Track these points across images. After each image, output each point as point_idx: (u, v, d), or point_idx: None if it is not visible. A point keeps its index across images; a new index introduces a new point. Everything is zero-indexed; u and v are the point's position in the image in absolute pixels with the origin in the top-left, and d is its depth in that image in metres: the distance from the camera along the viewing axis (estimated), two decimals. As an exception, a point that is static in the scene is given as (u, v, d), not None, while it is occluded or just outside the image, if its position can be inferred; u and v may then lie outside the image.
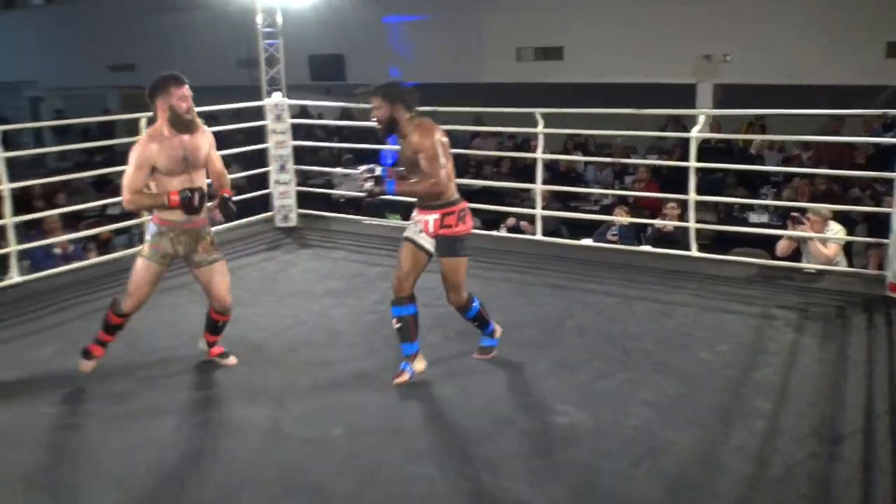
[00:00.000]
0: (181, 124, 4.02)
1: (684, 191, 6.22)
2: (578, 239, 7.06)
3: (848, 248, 6.22)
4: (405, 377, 4.18)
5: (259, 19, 8.03)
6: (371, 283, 5.77)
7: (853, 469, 3.30)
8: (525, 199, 8.96)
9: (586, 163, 10.99)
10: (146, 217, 5.96)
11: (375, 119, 4.09)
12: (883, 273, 5.50)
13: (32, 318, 5.25)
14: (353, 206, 9.02)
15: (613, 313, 5.22)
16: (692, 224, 6.19)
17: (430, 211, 4.12)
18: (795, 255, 6.19)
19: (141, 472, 3.36)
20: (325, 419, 3.79)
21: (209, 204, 4.27)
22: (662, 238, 6.91)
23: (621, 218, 7.20)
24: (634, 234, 7.27)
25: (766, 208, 8.65)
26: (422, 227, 4.14)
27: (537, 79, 13.42)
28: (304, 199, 7.94)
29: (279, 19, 8.07)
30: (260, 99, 7.89)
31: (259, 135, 7.84)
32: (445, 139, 4.06)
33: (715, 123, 10.62)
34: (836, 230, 6.00)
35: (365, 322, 5.12)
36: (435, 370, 4.34)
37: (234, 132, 9.99)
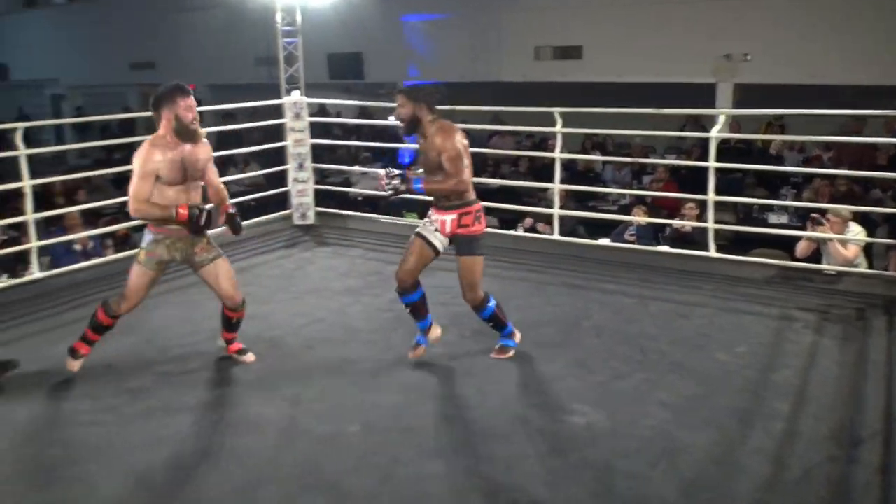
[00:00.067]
0: (186, 134, 4.05)
1: (703, 191, 6.19)
2: (596, 239, 7.03)
3: (868, 250, 6.16)
4: (420, 350, 4.46)
5: (278, 18, 8.06)
6: (388, 281, 5.75)
7: (872, 473, 3.27)
8: (542, 198, 8.94)
9: (604, 162, 10.96)
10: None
11: (398, 117, 4.19)
12: (904, 275, 5.45)
13: (52, 313, 5.30)
14: (370, 204, 9.05)
15: (631, 313, 5.20)
16: (711, 224, 6.15)
17: (448, 211, 4.23)
18: (815, 256, 6.14)
19: (159, 467, 3.39)
20: (341, 416, 3.80)
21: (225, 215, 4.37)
22: (680, 238, 6.88)
23: (639, 218, 7.17)
24: (652, 234, 7.24)
25: (785, 209, 8.58)
26: (437, 227, 4.24)
27: (556, 78, 13.37)
28: (321, 197, 7.97)
29: (298, 18, 8.09)
30: (279, 97, 7.91)
31: (278, 133, 7.87)
32: (466, 141, 4.16)
33: (734, 123, 10.56)
34: (856, 231, 5.94)
35: (382, 320, 5.13)
36: (451, 369, 4.35)
37: (252, 130, 10.05)
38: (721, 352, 4.52)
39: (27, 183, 5.72)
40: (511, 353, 4.48)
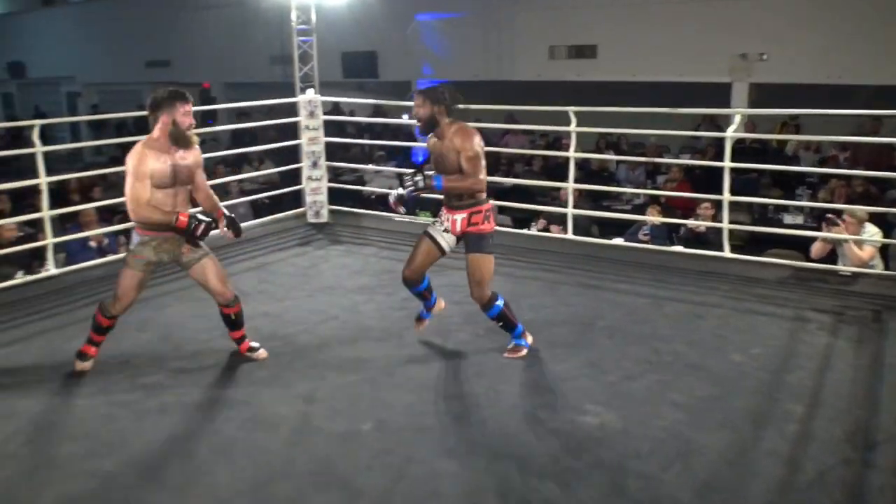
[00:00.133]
0: (181, 139, 4.09)
1: (717, 191, 6.16)
2: (610, 238, 7.02)
3: (884, 251, 6.11)
4: (424, 324, 4.77)
5: (293, 16, 8.09)
6: (401, 280, 5.78)
7: (887, 476, 3.25)
8: (556, 197, 8.92)
9: (618, 162, 10.93)
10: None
11: (416, 117, 4.29)
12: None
13: (67, 309, 5.33)
14: (383, 202, 9.06)
15: (644, 314, 5.19)
16: (726, 224, 6.13)
17: (459, 210, 4.34)
18: (831, 257, 6.11)
19: (173, 463, 3.41)
20: (354, 414, 3.81)
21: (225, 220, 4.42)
22: (695, 238, 6.85)
23: (653, 218, 7.15)
24: (666, 234, 7.21)
25: (801, 209, 8.54)
26: (448, 227, 4.37)
27: (570, 77, 13.35)
28: (335, 196, 7.99)
29: (313, 16, 8.12)
30: (293, 95, 7.94)
31: (292, 131, 7.90)
32: (482, 143, 4.27)
33: (749, 123, 10.51)
34: (872, 232, 5.91)
35: (395, 318, 5.14)
36: (464, 368, 4.35)
37: (267, 128, 10.09)
38: (735, 353, 4.50)
39: (43, 180, 5.76)
40: (524, 353, 4.48)
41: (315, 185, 7.75)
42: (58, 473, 3.35)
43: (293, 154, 8.02)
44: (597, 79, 13.06)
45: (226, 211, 4.45)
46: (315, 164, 7.70)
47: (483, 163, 4.23)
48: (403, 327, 4.95)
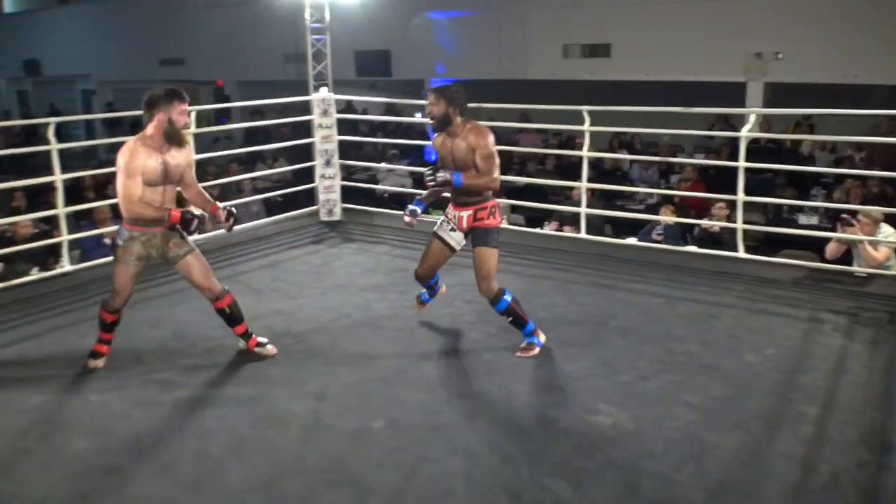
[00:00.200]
0: (175, 138, 4.12)
1: (731, 191, 6.13)
2: (623, 238, 7.00)
3: (901, 252, 6.07)
4: (425, 307, 4.98)
5: (307, 15, 8.10)
6: (413, 278, 5.78)
7: (903, 478, 3.22)
8: (569, 196, 8.91)
9: (632, 161, 10.89)
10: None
11: (430, 115, 4.39)
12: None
13: (82, 306, 5.36)
14: (396, 201, 9.06)
15: (658, 314, 5.17)
16: (740, 225, 6.10)
17: (465, 207, 4.46)
18: (846, 258, 6.06)
19: (186, 459, 3.42)
20: (366, 412, 3.82)
21: (224, 212, 4.42)
22: (709, 238, 6.82)
23: (667, 217, 7.12)
24: (680, 233, 7.19)
25: (816, 210, 8.48)
26: (454, 225, 4.50)
27: (584, 76, 13.31)
28: (347, 194, 7.99)
29: (327, 15, 8.13)
30: (306, 94, 7.95)
31: (305, 129, 7.91)
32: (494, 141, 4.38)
33: (764, 123, 10.45)
34: (887, 233, 5.86)
35: (407, 316, 5.13)
36: (477, 367, 4.35)
37: (280, 126, 10.10)
38: (749, 353, 4.47)
39: (58, 177, 5.79)
40: (536, 351, 4.47)
41: (328, 183, 7.76)
42: (71, 469, 3.37)
43: (306, 152, 8.03)
44: (611, 78, 13.02)
45: (220, 204, 4.45)
46: (328, 163, 7.70)
47: (497, 161, 4.34)
48: (416, 326, 4.96)
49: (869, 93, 10.17)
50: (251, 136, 13.67)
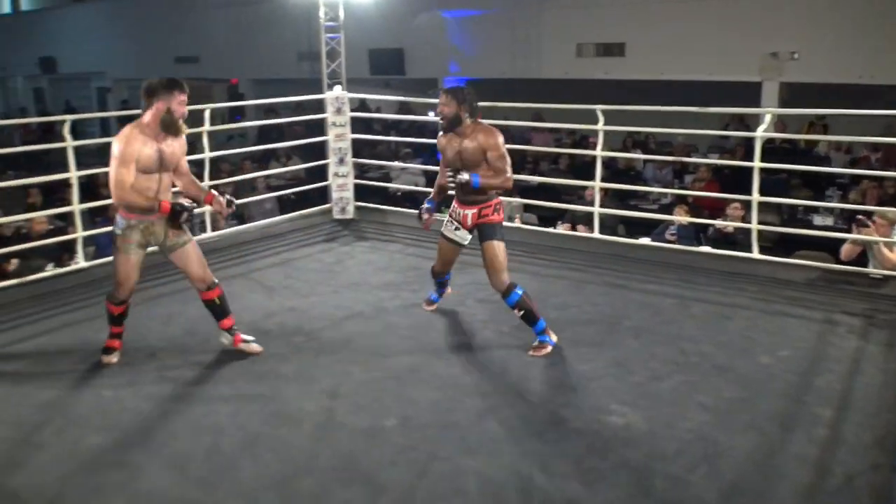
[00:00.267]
0: (172, 127, 4.13)
1: (746, 191, 6.10)
2: (636, 238, 6.97)
3: (917, 254, 6.02)
4: (434, 307, 5.18)
5: (322, 13, 8.12)
6: (426, 277, 5.77)
7: (918, 482, 3.20)
8: (582, 196, 8.89)
9: (645, 161, 10.85)
10: (203, 208, 6.10)
11: (441, 115, 4.51)
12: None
13: (96, 302, 5.36)
14: (409, 199, 9.07)
15: (671, 314, 5.15)
16: (754, 225, 6.06)
17: (470, 206, 4.62)
18: (861, 259, 6.02)
19: (198, 456, 3.44)
20: (378, 411, 3.82)
21: (223, 198, 4.42)
22: (723, 239, 6.79)
23: (680, 217, 7.09)
24: (694, 234, 7.16)
25: (831, 211, 8.43)
26: (459, 224, 4.67)
27: (598, 75, 13.26)
28: (360, 192, 8.00)
29: (341, 13, 8.15)
30: (320, 92, 7.96)
31: (319, 127, 7.92)
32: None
33: (780, 123, 10.39)
34: (904, 235, 5.82)
35: (419, 315, 5.14)
36: (489, 366, 4.35)
37: (294, 124, 10.12)
38: (763, 355, 4.45)
39: (74, 174, 5.82)
40: (548, 350, 4.47)
41: (341, 181, 7.77)
42: (84, 463, 3.39)
43: (320, 150, 8.05)
44: (625, 77, 12.97)
45: (215, 191, 4.46)
46: (341, 161, 7.71)
47: (509, 160, 4.49)
48: (428, 324, 4.96)
49: (884, 93, 10.09)
50: (265, 134, 13.72)
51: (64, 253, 6.68)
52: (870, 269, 5.81)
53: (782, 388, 4.03)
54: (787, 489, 3.15)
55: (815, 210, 8.52)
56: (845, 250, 6.03)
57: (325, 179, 7.86)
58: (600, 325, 4.95)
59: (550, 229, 7.46)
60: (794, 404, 3.87)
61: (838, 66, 11.13)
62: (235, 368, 4.34)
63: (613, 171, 10.56)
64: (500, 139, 4.47)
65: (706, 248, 6.62)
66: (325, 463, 3.38)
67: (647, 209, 9.00)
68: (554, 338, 4.53)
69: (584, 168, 9.04)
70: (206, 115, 6.48)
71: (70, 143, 5.79)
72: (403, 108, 14.54)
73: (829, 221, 8.35)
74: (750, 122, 11.19)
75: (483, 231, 4.57)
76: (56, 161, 9.31)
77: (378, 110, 14.62)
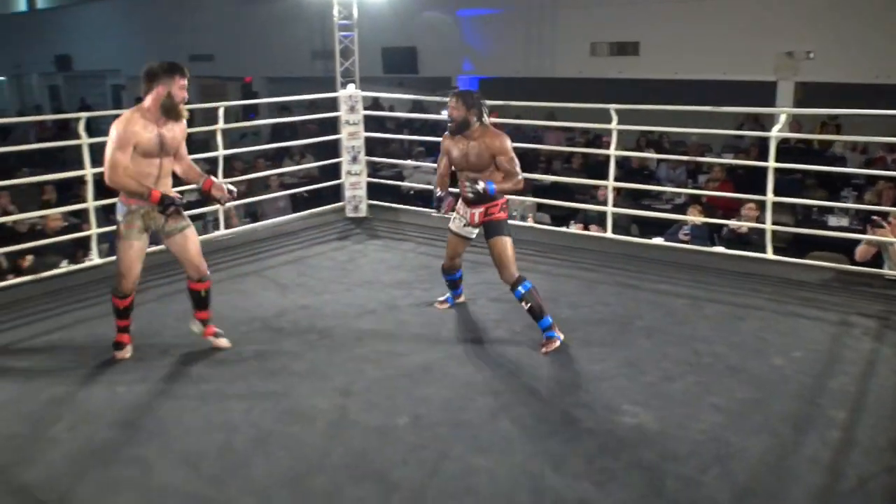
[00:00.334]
0: (172, 111, 4.14)
1: (760, 191, 6.07)
2: (649, 238, 6.95)
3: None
4: (446, 306, 5.24)
5: (335, 12, 8.12)
6: (438, 275, 5.78)
7: (933, 485, 3.18)
8: (595, 195, 8.86)
9: (659, 160, 10.81)
10: (216, 206, 6.12)
11: (451, 118, 4.64)
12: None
13: (109, 299, 5.40)
14: (422, 198, 9.08)
15: (684, 315, 5.13)
16: (769, 226, 6.03)
17: (477, 205, 4.72)
18: (876, 260, 5.98)
19: (211, 452, 3.45)
20: (391, 409, 3.83)
21: (224, 185, 4.46)
22: (737, 239, 6.76)
23: (694, 217, 7.06)
24: (707, 234, 7.13)
25: (846, 211, 8.37)
26: (467, 220, 4.78)
27: (612, 74, 13.20)
28: (373, 191, 8.01)
29: (355, 12, 8.15)
30: (334, 90, 7.98)
31: (332, 126, 7.93)
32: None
33: (794, 123, 10.33)
34: (920, 236, 5.78)
35: (432, 313, 5.14)
36: (501, 365, 4.35)
37: (307, 122, 10.13)
38: (777, 356, 4.43)
39: (89, 171, 5.86)
40: (557, 344, 4.51)
41: (354, 179, 7.78)
42: (98, 459, 3.41)
43: (333, 148, 8.06)
44: (639, 76, 12.91)
45: (214, 178, 4.47)
46: (355, 159, 7.73)
47: (517, 161, 4.62)
48: (441, 323, 4.97)
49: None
50: (278, 133, 13.76)
51: (78, 250, 6.71)
52: (885, 271, 5.77)
53: (796, 390, 4.01)
54: (800, 491, 3.13)
55: (830, 211, 8.46)
56: (860, 251, 5.99)
57: (338, 178, 7.87)
58: (612, 325, 4.94)
59: (563, 228, 7.45)
60: (808, 406, 3.85)
61: (854, 65, 11.04)
62: (248, 366, 4.36)
63: (627, 170, 10.52)
64: (508, 142, 4.59)
65: (720, 249, 6.60)
66: (338, 461, 3.39)
67: (660, 209, 8.96)
68: (561, 336, 4.56)
69: (597, 167, 9.03)
70: (220, 113, 6.51)
71: (85, 140, 5.83)
72: (416, 106, 14.55)
73: (845, 222, 8.28)
74: (764, 122, 11.13)
75: (490, 228, 4.67)
76: (71, 158, 9.38)
77: (391, 109, 14.62)
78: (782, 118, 6.23)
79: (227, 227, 6.88)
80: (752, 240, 6.54)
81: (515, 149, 4.73)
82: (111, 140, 4.05)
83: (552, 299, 5.21)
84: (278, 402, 3.92)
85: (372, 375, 4.21)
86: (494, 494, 3.14)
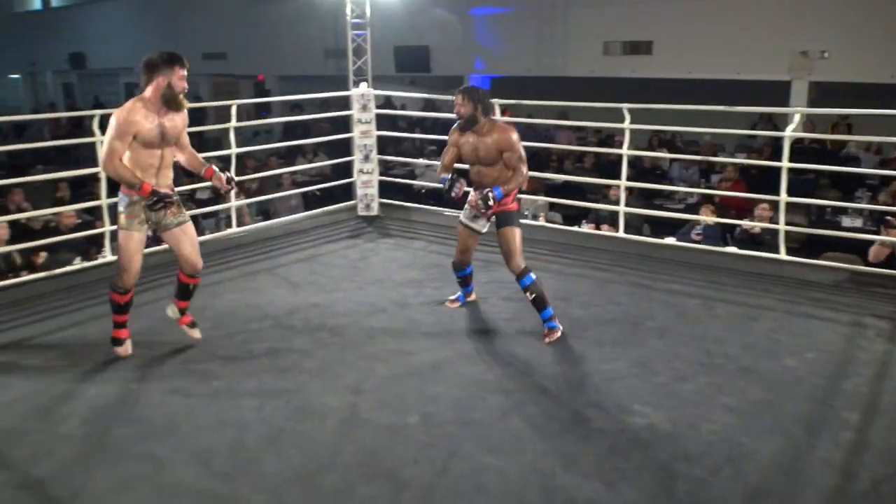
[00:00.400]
0: (173, 102, 4.16)
1: (773, 191, 6.04)
2: (661, 237, 6.93)
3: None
4: (457, 304, 5.26)
5: (348, 10, 8.13)
6: (449, 274, 5.78)
7: (947, 488, 3.15)
8: (606, 195, 8.84)
9: (672, 160, 10.77)
10: (229, 204, 6.13)
11: (458, 114, 4.71)
12: None
13: (124, 296, 5.44)
14: (433, 197, 9.08)
15: (696, 315, 5.11)
16: (782, 226, 6.00)
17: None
18: (890, 261, 5.94)
19: (222, 450, 3.46)
20: (401, 407, 3.83)
21: (224, 175, 4.47)
22: (750, 239, 6.73)
23: (706, 217, 7.03)
24: (719, 234, 7.10)
25: (860, 212, 8.32)
26: (477, 212, 4.79)
27: (625, 73, 13.15)
28: (385, 189, 8.02)
29: (368, 11, 8.15)
30: (346, 89, 7.99)
31: (344, 124, 7.94)
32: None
33: (808, 123, 10.27)
34: (934, 237, 5.73)
35: (443, 312, 5.14)
36: (512, 364, 4.35)
37: (320, 121, 10.14)
38: (789, 357, 4.41)
39: (102, 168, 5.86)
40: (559, 334, 4.63)
41: (366, 178, 7.79)
42: (111, 455, 3.43)
43: (345, 147, 8.07)
44: (652, 75, 12.86)
45: (215, 167, 4.48)
46: (367, 158, 7.73)
47: (524, 155, 4.68)
48: (452, 322, 4.97)
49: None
50: (290, 131, 13.79)
51: (92, 247, 6.75)
52: (899, 272, 5.74)
53: (808, 391, 3.99)
54: (812, 493, 3.12)
55: (844, 211, 8.41)
56: (874, 252, 5.94)
57: (350, 176, 7.88)
58: (624, 324, 4.93)
59: (575, 228, 7.44)
60: (821, 407, 3.83)
61: (869, 65, 10.96)
62: (260, 363, 4.37)
63: (639, 170, 10.49)
64: (515, 136, 4.64)
65: (732, 249, 6.57)
66: (348, 458, 3.39)
67: (672, 209, 8.92)
68: (561, 326, 4.67)
69: (609, 167, 9.01)
70: (233, 111, 6.52)
71: (99, 137, 5.83)
72: (428, 105, 14.55)
73: (858, 223, 8.23)
74: (778, 122, 11.07)
75: (500, 219, 4.74)
76: (85, 156, 9.43)
77: (403, 107, 14.63)
78: (796, 118, 6.19)
79: (240, 224, 6.90)
80: (765, 240, 6.51)
81: (527, 148, 4.76)
82: (111, 128, 4.07)
83: (564, 298, 5.21)
84: (289, 399, 3.93)
85: (383, 374, 4.22)
86: (505, 493, 3.14)
